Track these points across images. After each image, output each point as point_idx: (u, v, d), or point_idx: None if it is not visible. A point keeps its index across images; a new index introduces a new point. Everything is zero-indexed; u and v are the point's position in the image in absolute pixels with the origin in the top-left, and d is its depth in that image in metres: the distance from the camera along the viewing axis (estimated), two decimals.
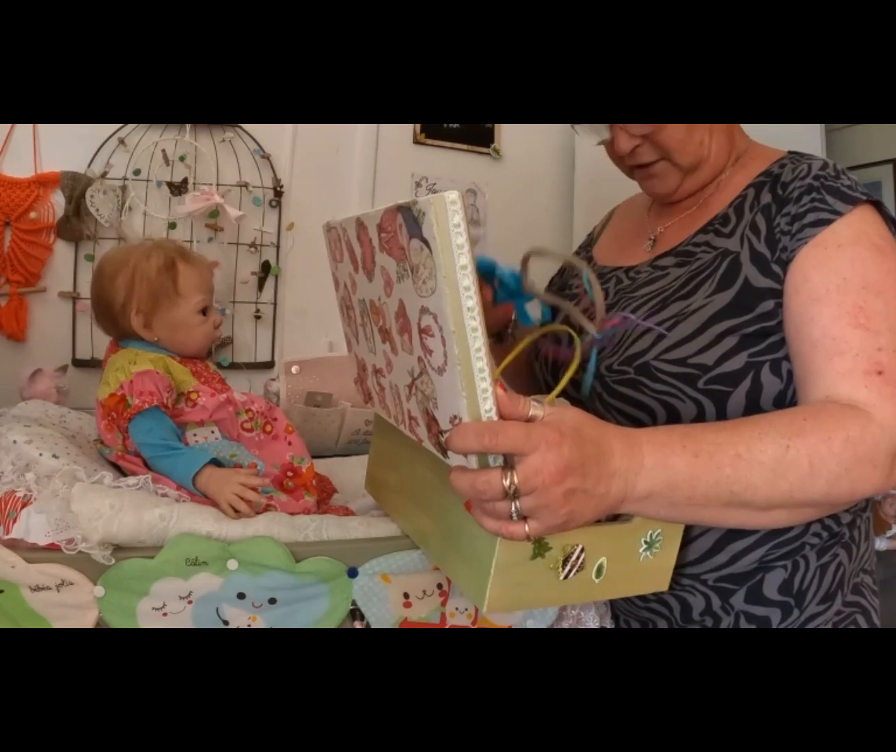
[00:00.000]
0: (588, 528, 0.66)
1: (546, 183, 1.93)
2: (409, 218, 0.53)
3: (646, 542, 0.70)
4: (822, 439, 0.62)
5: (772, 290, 0.74)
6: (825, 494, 0.63)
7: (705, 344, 0.75)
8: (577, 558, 0.66)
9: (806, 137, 1.65)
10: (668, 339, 0.77)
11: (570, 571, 0.66)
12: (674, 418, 0.76)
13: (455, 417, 0.55)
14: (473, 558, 0.64)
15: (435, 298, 0.52)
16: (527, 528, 0.56)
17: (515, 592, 0.64)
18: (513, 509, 0.55)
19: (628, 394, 0.79)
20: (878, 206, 0.74)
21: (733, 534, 0.77)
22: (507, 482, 0.54)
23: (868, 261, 0.70)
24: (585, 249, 1.06)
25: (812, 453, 0.61)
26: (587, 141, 0.89)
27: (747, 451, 0.61)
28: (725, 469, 0.60)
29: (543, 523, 0.56)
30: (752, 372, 0.74)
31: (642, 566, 0.71)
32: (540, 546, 0.63)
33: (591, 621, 0.87)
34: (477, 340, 0.52)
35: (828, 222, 0.72)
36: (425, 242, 0.51)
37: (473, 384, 0.53)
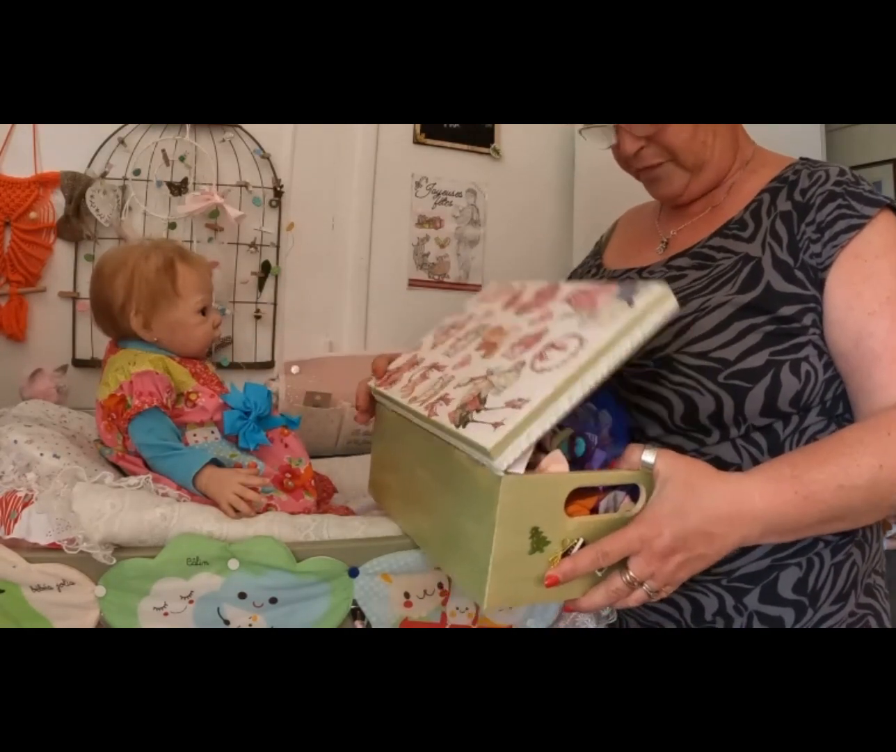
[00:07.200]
0: (588, 519, 0.66)
1: (546, 183, 1.93)
2: (627, 288, 0.66)
3: None
4: None
5: (796, 295, 0.76)
6: None
7: (728, 339, 0.76)
8: (578, 552, 0.65)
9: (806, 137, 1.65)
10: (690, 332, 0.78)
11: None
12: (692, 410, 0.76)
13: (520, 399, 0.62)
14: (471, 556, 0.64)
15: (597, 330, 0.64)
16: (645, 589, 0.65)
17: (515, 587, 0.64)
18: (645, 589, 0.65)
19: (646, 387, 0.80)
20: (893, 210, 0.77)
21: None
22: (627, 578, 0.64)
23: None
24: (595, 257, 1.07)
25: None
26: (594, 146, 0.89)
27: (847, 480, 0.66)
28: (829, 501, 0.66)
29: (662, 585, 0.65)
30: (773, 370, 0.75)
31: None
32: (538, 540, 0.63)
33: (591, 621, 0.87)
34: (602, 371, 0.62)
35: (858, 227, 0.74)
36: (631, 302, 0.64)
37: (573, 385, 0.61)
